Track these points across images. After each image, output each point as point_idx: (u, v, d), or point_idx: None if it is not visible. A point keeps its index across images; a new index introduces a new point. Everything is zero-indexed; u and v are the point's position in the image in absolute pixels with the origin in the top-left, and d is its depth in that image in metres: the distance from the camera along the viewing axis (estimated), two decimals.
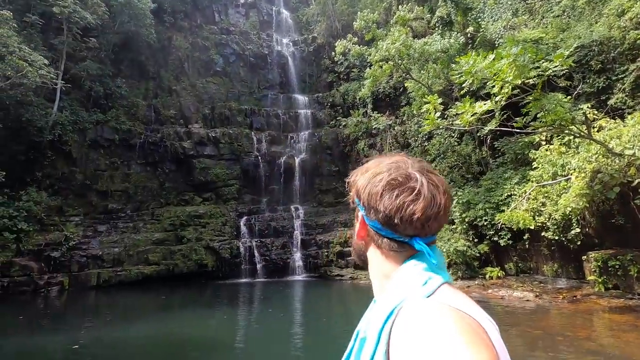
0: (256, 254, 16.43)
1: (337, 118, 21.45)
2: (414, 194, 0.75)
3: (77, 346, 6.67)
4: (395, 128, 19.61)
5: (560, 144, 11.00)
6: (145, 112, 19.62)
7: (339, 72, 23.61)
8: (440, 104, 9.27)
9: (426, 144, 17.66)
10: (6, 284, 12.55)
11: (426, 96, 10.54)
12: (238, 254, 16.27)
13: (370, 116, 20.29)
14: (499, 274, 12.24)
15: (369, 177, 0.82)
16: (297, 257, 16.79)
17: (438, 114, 9.11)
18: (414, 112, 16.61)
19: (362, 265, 0.93)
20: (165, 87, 21.01)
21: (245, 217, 17.73)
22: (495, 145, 14.58)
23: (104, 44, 18.60)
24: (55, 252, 13.97)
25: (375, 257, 0.83)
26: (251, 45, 23.57)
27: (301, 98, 23.05)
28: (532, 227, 10.22)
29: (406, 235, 0.77)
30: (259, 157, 19.76)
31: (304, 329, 8.41)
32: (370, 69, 16.07)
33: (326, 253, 16.31)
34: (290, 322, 9.05)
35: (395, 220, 0.75)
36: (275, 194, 19.66)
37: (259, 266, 16.29)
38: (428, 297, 0.67)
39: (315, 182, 20.29)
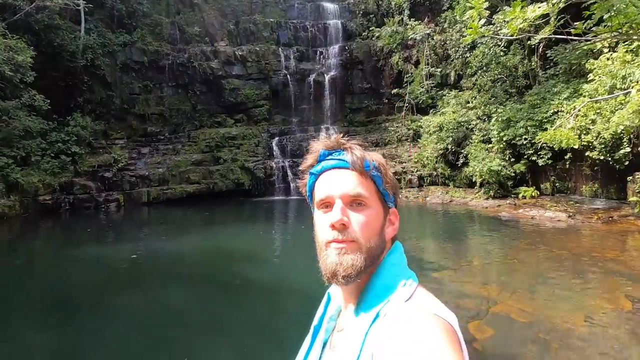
0: (289, 173, 17.02)
1: (370, 28, 19.66)
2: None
3: (135, 256, 7.74)
4: (435, 37, 17.80)
5: (626, 52, 9.57)
6: (169, 31, 19.02)
7: None
8: (487, 8, 8.14)
9: (467, 55, 16.08)
10: (71, 200, 14.20)
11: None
12: (272, 173, 16.95)
13: (407, 24, 18.39)
14: (534, 194, 12.02)
15: (382, 160, 0.80)
16: None
17: (483, 20, 8.06)
18: (457, 17, 14.78)
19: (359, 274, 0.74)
20: (187, 2, 19.85)
21: (277, 138, 17.98)
22: (548, 55, 13.00)
23: None
24: (108, 173, 15.30)
25: (384, 240, 0.77)
26: None
27: (330, 6, 21.05)
28: (575, 147, 9.59)
29: None
30: (288, 76, 19.12)
31: None
32: None
33: None
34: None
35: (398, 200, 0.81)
36: (306, 114, 19.44)
37: (292, 185, 17.00)
38: (407, 300, 0.67)
39: (346, 100, 19.66)
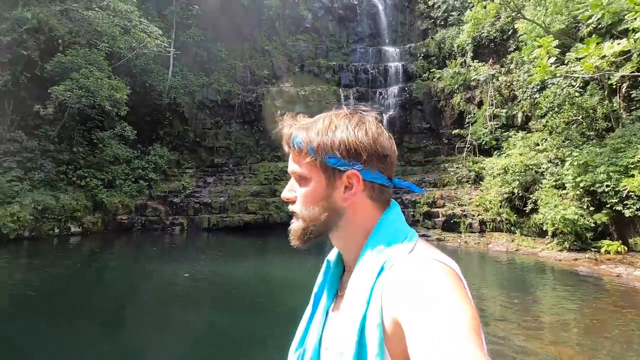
0: None
1: (431, 70, 19.79)
2: (387, 133, 0.78)
3: (187, 274, 8.16)
4: (500, 78, 17.29)
5: None
6: (242, 73, 20.99)
7: (435, 17, 21.38)
8: (557, 46, 7.80)
9: (537, 96, 15.25)
10: (143, 221, 15.59)
11: (539, 39, 8.92)
12: None
13: (470, 66, 18.19)
14: (620, 249, 10.49)
15: (351, 127, 0.75)
16: None
17: (552, 59, 7.71)
18: (525, 58, 14.30)
19: (317, 239, 0.80)
20: (259, 48, 21.94)
21: None
22: (633, 95, 11.84)
23: (205, 10, 20.00)
24: (176, 198, 16.66)
25: (361, 214, 0.77)
26: None
27: (391, 50, 21.75)
28: None
29: (389, 178, 0.78)
30: None
31: None
32: (471, 10, 14.11)
33: (412, 213, 16.00)
34: None
35: (389, 160, 0.77)
36: None
37: None
38: (410, 252, 0.67)
39: (403, 139, 19.55)
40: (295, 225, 0.79)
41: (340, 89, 20.33)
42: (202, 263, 9.91)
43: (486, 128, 16.65)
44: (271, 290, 7.59)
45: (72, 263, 10.02)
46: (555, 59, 7.94)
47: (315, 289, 0.87)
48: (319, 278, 0.88)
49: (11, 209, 11.70)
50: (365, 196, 0.76)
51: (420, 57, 20.79)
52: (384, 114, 19.64)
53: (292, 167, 0.79)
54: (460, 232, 14.31)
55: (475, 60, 18.02)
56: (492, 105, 17.03)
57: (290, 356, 0.82)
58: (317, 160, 0.75)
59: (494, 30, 17.48)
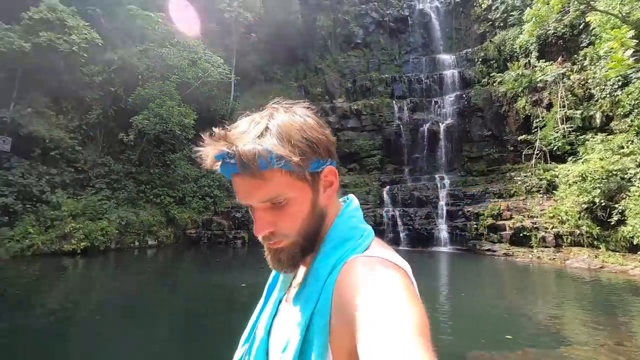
0: (399, 222, 16.58)
1: (491, 74, 18.74)
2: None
3: (244, 285, 8.59)
4: (572, 77, 15.78)
5: None
6: (296, 93, 21.88)
7: (493, 19, 20.37)
8: (634, 37, 6.99)
9: (618, 93, 13.61)
10: (209, 235, 16.76)
11: (614, 30, 8.06)
12: (381, 222, 16.79)
13: (535, 67, 16.89)
14: None
15: (312, 122, 0.71)
16: (443, 229, 16.10)
17: (629, 51, 6.90)
18: (601, 53, 12.91)
19: (302, 254, 0.72)
20: (312, 67, 22.76)
21: (388, 187, 17.98)
22: None
23: (262, 37, 21.40)
24: (238, 213, 17.65)
25: (332, 210, 0.75)
26: (390, 9, 22.77)
27: (446, 58, 21.09)
28: None
29: None
30: (401, 126, 19.41)
31: (443, 301, 8.21)
32: (531, 8, 13.23)
33: (475, 226, 15.03)
34: (431, 292, 8.94)
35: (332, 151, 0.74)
36: (419, 163, 19.09)
37: (402, 235, 16.44)
38: (365, 250, 0.68)
39: (463, 148, 18.63)
40: (291, 252, 0.70)
41: (394, 101, 20.14)
42: (259, 274, 10.33)
43: (557, 132, 15.20)
44: None
45: (150, 272, 11.17)
46: (635, 51, 7.10)
47: (269, 280, 0.86)
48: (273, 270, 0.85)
49: (101, 224, 13.40)
50: (327, 195, 0.74)
51: (478, 62, 19.85)
52: (440, 123, 18.99)
53: (265, 196, 0.66)
54: (532, 247, 13.07)
55: (541, 60, 16.69)
56: (563, 106, 15.54)
57: (239, 348, 0.81)
58: (297, 174, 0.67)
59: (561, 26, 16.10)
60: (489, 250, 14.04)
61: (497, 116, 18.12)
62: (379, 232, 16.61)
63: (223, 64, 17.95)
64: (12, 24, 13.27)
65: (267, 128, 0.67)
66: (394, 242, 16.39)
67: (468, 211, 15.60)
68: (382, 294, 0.56)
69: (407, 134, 19.20)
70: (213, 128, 0.68)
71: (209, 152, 0.67)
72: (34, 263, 11.17)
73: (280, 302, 0.80)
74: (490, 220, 14.59)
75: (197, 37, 17.35)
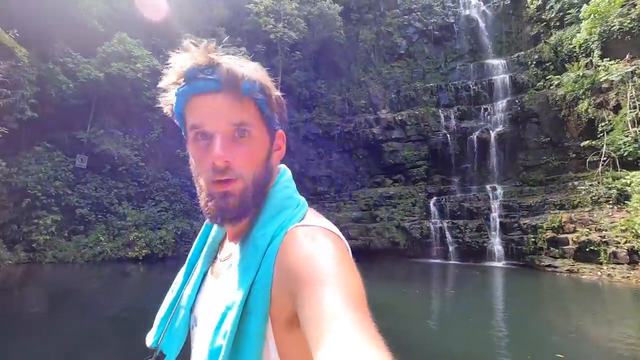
0: (448, 235, 15.90)
1: (547, 77, 17.54)
2: None
3: None
4: None
5: None
6: (340, 106, 22.19)
7: (547, 19, 19.18)
8: None
9: None
10: None
11: None
12: (429, 234, 16.22)
13: (598, 66, 15.52)
14: None
15: (265, 74, 0.69)
16: (496, 242, 15.14)
17: None
18: None
19: (245, 212, 0.68)
20: (355, 80, 22.99)
21: (435, 198, 17.39)
22: None
23: (305, 54, 22.15)
24: None
25: (273, 177, 0.75)
26: (435, 17, 22.42)
27: (496, 62, 20.17)
28: None
29: None
30: (448, 135, 18.78)
31: (498, 320, 7.68)
32: (588, 5, 12.30)
33: (533, 239, 13.93)
34: (484, 310, 8.41)
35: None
36: (468, 173, 18.26)
37: (451, 248, 15.73)
38: (301, 220, 0.68)
39: (517, 157, 17.51)
40: (242, 198, 0.66)
41: (440, 110, 19.60)
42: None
43: (628, 136, 13.75)
44: (374, 315, 7.54)
45: None
46: None
47: (189, 254, 0.84)
48: (195, 242, 0.85)
49: (160, 233, 14.52)
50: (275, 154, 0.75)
51: (532, 65, 18.70)
52: (491, 131, 18.07)
53: (238, 118, 0.64)
54: (601, 263, 11.79)
55: (605, 59, 15.32)
56: (634, 108, 14.05)
57: (153, 328, 0.79)
58: (263, 115, 0.67)
59: (628, 21, 14.70)
60: (549, 266, 12.91)
61: (555, 121, 16.84)
62: (426, 245, 16.06)
63: None
64: (89, 57, 15.18)
65: (250, 63, 0.67)
66: (442, 255, 15.73)
67: (524, 223, 14.53)
68: (327, 262, 0.56)
69: (454, 143, 18.52)
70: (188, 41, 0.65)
71: (182, 63, 0.63)
72: (104, 267, 12.40)
73: (203, 277, 0.78)
74: (550, 234, 13.45)
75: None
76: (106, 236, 13.96)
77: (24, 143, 13.88)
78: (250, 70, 0.65)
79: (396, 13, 23.71)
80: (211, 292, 0.73)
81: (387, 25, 23.36)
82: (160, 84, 0.67)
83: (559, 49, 17.93)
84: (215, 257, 0.79)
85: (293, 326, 0.57)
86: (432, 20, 22.41)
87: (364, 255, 16.26)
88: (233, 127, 0.64)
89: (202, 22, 19.63)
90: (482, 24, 21.61)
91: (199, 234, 0.86)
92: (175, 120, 0.70)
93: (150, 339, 0.78)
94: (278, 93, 0.70)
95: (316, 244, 0.60)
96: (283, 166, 0.80)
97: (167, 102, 0.68)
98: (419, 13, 22.92)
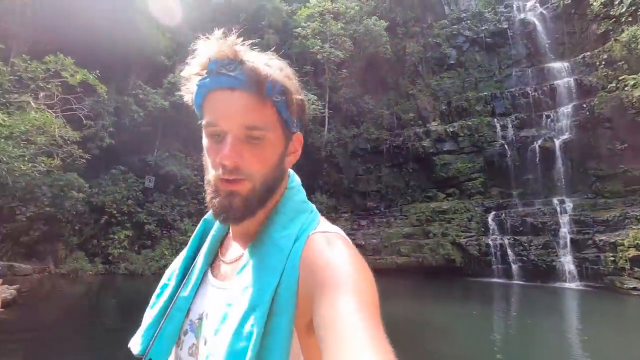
0: (509, 252, 14.77)
1: (620, 77, 15.89)
2: None
3: None
4: None
5: None
6: (388, 120, 22.00)
7: (617, 14, 17.52)
8: None
9: None
10: None
11: None
12: (488, 251, 15.20)
13: None
14: None
15: (294, 76, 0.68)
16: (567, 261, 13.74)
17: None
18: None
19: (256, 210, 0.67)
20: (404, 94, 22.72)
21: (493, 212, 16.32)
22: None
23: (352, 71, 22.46)
24: None
25: (286, 180, 0.76)
26: (486, 24, 21.58)
27: (557, 66, 18.77)
28: None
29: None
30: (505, 146, 17.68)
31: (575, 348, 6.89)
32: None
33: (612, 258, 12.44)
34: (557, 336, 7.61)
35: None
36: (530, 185, 16.93)
37: (514, 267, 14.56)
38: (319, 225, 0.69)
39: (588, 166, 15.91)
40: (248, 199, 0.64)
41: (495, 119, 18.59)
42: None
43: None
44: (414, 332, 7.22)
45: None
46: None
47: (183, 253, 0.80)
48: (190, 241, 0.81)
49: None
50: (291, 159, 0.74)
51: (601, 66, 17.09)
52: (555, 139, 16.70)
53: (254, 120, 0.62)
54: None
55: None
56: None
57: (142, 325, 0.73)
58: (281, 118, 0.65)
59: None
60: (634, 289, 11.38)
61: (633, 125, 15.10)
62: (485, 263, 15.02)
63: (317, 100, 19.32)
64: (157, 88, 16.88)
65: (276, 62, 0.65)
66: (505, 274, 14.60)
67: (601, 240, 13.06)
68: (346, 269, 0.58)
69: (513, 153, 17.37)
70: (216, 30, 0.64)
71: (207, 52, 0.62)
72: None
73: (201, 279, 0.74)
74: (633, 252, 11.92)
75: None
76: (170, 250, 15.07)
77: (103, 167, 15.71)
78: (275, 70, 0.63)
79: (444, 24, 23.24)
80: (216, 295, 0.69)
81: (434, 37, 22.95)
82: (183, 73, 0.66)
83: (632, 46, 16.21)
84: (216, 257, 0.76)
85: (311, 330, 0.57)
86: (483, 28, 21.60)
87: (416, 273, 15.64)
88: (246, 129, 0.62)
89: (255, 49, 20.89)
90: (539, 27, 20.34)
91: (195, 232, 0.82)
92: (195, 111, 0.68)
93: (136, 347, 0.71)
94: (301, 96, 0.68)
95: (338, 251, 0.61)
96: (291, 171, 0.79)
97: (189, 91, 0.67)
98: (468, 22, 22.24)
